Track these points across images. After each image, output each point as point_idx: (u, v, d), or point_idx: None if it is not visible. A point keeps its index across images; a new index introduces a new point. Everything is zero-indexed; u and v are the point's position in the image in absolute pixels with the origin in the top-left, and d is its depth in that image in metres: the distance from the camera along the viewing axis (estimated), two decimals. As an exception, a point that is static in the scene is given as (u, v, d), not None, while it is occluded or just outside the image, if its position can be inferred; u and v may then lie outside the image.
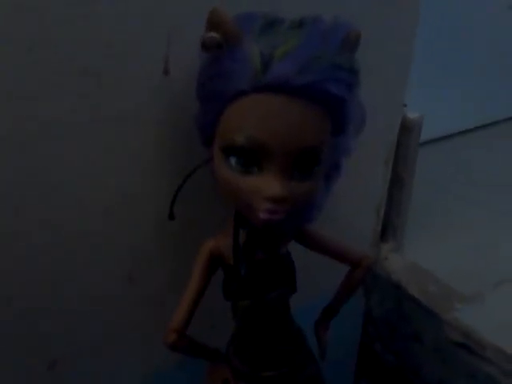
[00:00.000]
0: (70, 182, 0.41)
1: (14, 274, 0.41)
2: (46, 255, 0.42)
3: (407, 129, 0.61)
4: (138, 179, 0.44)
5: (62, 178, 0.40)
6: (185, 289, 0.41)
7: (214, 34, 0.33)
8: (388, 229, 0.68)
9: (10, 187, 0.39)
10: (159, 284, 0.49)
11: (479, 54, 0.91)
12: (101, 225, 0.44)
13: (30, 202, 0.40)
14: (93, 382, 0.49)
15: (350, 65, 0.33)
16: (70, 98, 0.38)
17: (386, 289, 0.68)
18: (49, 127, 0.38)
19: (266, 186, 0.33)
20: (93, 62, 0.38)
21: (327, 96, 0.32)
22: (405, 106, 0.61)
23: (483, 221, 0.77)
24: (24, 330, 0.43)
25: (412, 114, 0.61)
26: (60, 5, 0.36)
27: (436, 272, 0.66)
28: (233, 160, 0.33)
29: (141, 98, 0.41)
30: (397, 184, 0.65)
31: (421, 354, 0.66)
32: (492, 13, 0.91)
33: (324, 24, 0.34)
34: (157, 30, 0.40)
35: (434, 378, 0.65)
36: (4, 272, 0.41)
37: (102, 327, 0.47)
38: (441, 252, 0.70)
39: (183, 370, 0.54)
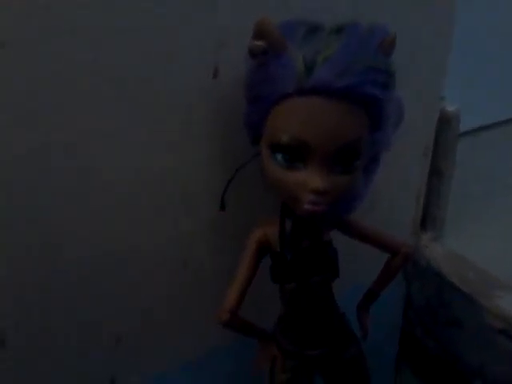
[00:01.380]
0: (124, 180, 0.45)
1: (82, 260, 0.46)
2: (99, 249, 0.46)
3: (445, 121, 0.63)
4: (192, 174, 0.48)
5: (116, 176, 0.44)
6: (236, 273, 0.44)
7: (260, 42, 0.36)
8: (428, 218, 0.70)
9: (71, 187, 0.43)
10: (212, 269, 0.53)
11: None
12: (158, 214, 0.48)
13: (93, 198, 0.44)
14: (156, 355, 0.54)
15: (386, 67, 0.36)
16: (124, 103, 0.42)
17: (426, 276, 0.70)
18: (102, 130, 0.42)
19: (310, 179, 0.36)
20: (146, 68, 0.42)
21: (364, 97, 0.35)
22: (442, 98, 0.62)
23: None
24: (93, 309, 0.49)
25: (450, 107, 0.63)
26: (124, 15, 0.40)
27: (476, 260, 0.68)
28: (279, 156, 0.37)
29: (192, 100, 0.45)
30: (436, 175, 0.67)
31: (461, 339, 0.68)
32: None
33: (361, 29, 0.37)
34: (208, 38, 0.43)
35: (475, 364, 0.66)
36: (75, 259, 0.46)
37: (161, 305, 0.52)
38: (481, 240, 0.71)
39: (234, 348, 0.58)
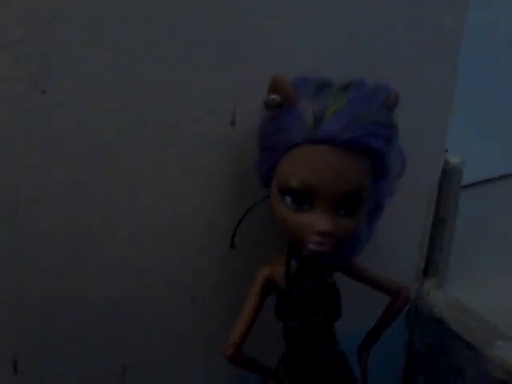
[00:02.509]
0: (148, 221, 0.48)
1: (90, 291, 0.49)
2: (112, 282, 0.49)
3: (448, 173, 0.65)
4: (205, 213, 0.51)
5: (133, 213, 0.48)
6: (242, 309, 0.46)
7: (275, 96, 0.40)
8: (431, 266, 0.72)
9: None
10: (219, 305, 0.55)
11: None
12: (172, 256, 0.51)
13: (105, 234, 0.47)
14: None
15: (389, 122, 0.40)
16: (149, 149, 0.46)
17: (427, 324, 0.71)
18: (127, 173, 0.46)
19: (316, 221, 0.39)
20: (171, 115, 0.46)
21: (368, 149, 0.38)
22: (446, 151, 0.66)
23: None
24: (98, 339, 0.51)
25: (453, 159, 0.65)
26: (154, 68, 0.44)
27: (477, 309, 0.69)
28: (288, 199, 0.40)
29: (211, 144, 0.49)
30: (439, 224, 0.69)
31: (463, 388, 0.68)
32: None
33: (367, 87, 0.41)
34: (228, 90, 0.47)
35: (476, 414, 0.67)
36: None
37: (170, 342, 0.54)
38: (482, 290, 0.73)
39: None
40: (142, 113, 0.45)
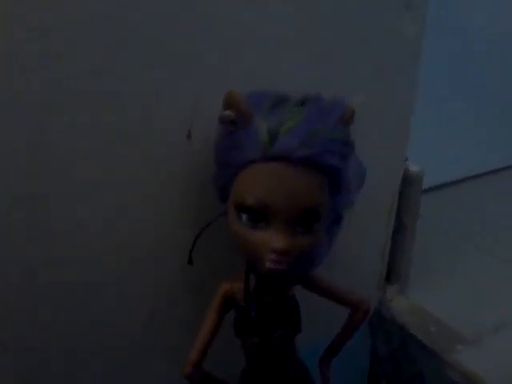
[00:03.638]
0: (98, 231, 0.47)
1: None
2: (72, 295, 0.48)
3: (409, 181, 0.66)
4: (163, 226, 0.50)
5: (87, 231, 0.46)
6: (201, 326, 0.46)
7: (229, 113, 0.39)
8: (393, 273, 0.72)
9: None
10: (178, 321, 0.54)
11: (480, 102, 0.96)
12: (126, 270, 0.49)
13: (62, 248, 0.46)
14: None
15: (344, 138, 0.39)
16: (107, 158, 0.45)
17: (390, 330, 0.72)
18: (77, 185, 0.44)
19: (272, 239, 0.39)
20: (126, 127, 0.45)
21: (324, 165, 0.38)
22: (406, 159, 0.66)
23: (486, 265, 0.81)
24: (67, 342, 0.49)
25: (413, 168, 0.66)
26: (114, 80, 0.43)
27: (438, 314, 0.70)
28: (244, 216, 0.39)
29: (166, 157, 0.48)
30: (400, 231, 0.69)
31: (424, 393, 0.69)
32: (492, 64, 0.97)
33: (323, 102, 0.41)
34: (184, 103, 0.47)
35: (436, 418, 0.68)
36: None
37: (127, 358, 0.53)
38: (443, 295, 0.74)
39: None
40: (96, 123, 0.44)
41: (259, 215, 0.39)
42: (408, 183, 0.66)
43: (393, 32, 0.57)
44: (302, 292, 0.49)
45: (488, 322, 0.70)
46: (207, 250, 0.50)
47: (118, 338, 0.51)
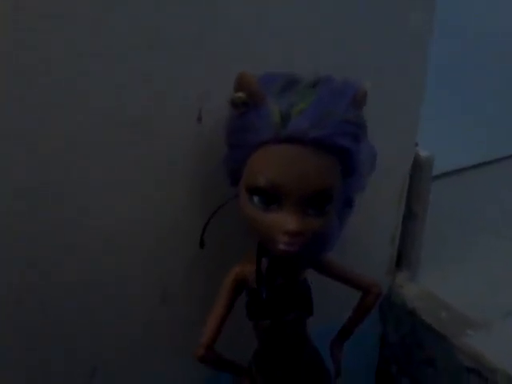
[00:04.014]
0: (111, 219, 0.47)
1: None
2: (84, 280, 0.48)
3: (419, 166, 0.66)
4: (175, 212, 0.50)
5: (103, 210, 0.47)
6: (213, 308, 0.46)
7: (241, 94, 0.39)
8: (403, 258, 0.72)
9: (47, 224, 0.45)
10: (190, 305, 0.54)
11: (491, 88, 0.95)
12: (139, 256, 0.50)
13: (75, 237, 0.46)
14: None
15: (357, 120, 0.39)
16: (119, 144, 0.45)
17: (400, 315, 0.72)
18: (89, 172, 0.45)
19: (284, 221, 0.39)
20: (135, 112, 0.45)
21: (336, 147, 0.38)
22: (416, 145, 0.66)
23: (496, 251, 0.80)
24: (67, 340, 0.50)
25: (423, 153, 0.66)
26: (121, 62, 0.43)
27: (448, 300, 0.70)
28: (256, 199, 0.39)
29: (177, 141, 0.48)
30: (410, 217, 0.69)
31: (434, 377, 0.69)
32: (505, 51, 0.96)
33: (335, 83, 0.40)
34: (195, 85, 0.47)
35: (447, 402, 0.68)
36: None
37: (140, 342, 0.53)
38: (453, 281, 0.74)
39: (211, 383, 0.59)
40: (106, 109, 0.44)
41: (271, 197, 0.39)
42: (418, 168, 0.66)
43: (403, 16, 0.57)
44: (313, 276, 0.49)
45: (498, 306, 0.70)
46: (218, 233, 0.50)
47: (130, 324, 0.52)
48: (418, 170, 0.66)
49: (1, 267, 0.44)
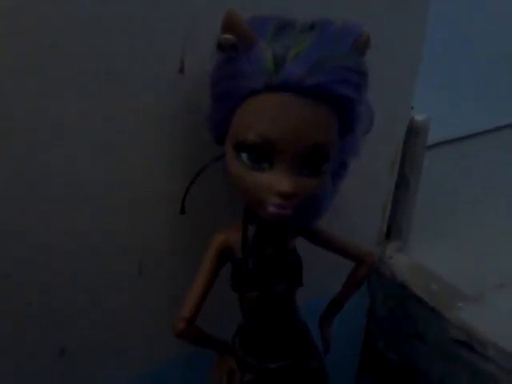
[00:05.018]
0: (84, 180, 0.43)
1: (25, 260, 0.43)
2: (58, 247, 0.44)
3: (414, 131, 0.62)
4: (154, 174, 0.45)
5: (76, 175, 0.42)
6: (194, 280, 0.42)
7: (228, 36, 0.34)
8: (393, 229, 0.69)
9: (21, 186, 0.40)
10: (169, 276, 0.50)
11: (492, 54, 0.92)
12: (113, 219, 0.45)
13: (46, 198, 0.41)
14: (104, 368, 0.51)
15: (359, 67, 0.35)
16: (92, 98, 0.40)
17: (389, 288, 0.69)
18: (62, 125, 0.40)
19: (276, 181, 0.34)
20: (112, 62, 0.40)
21: (335, 96, 0.34)
22: (412, 108, 0.62)
23: (488, 223, 0.78)
24: (36, 317, 0.45)
25: (419, 116, 0.62)
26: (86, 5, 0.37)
27: (440, 272, 0.67)
28: (244, 156, 0.35)
29: (156, 95, 0.43)
30: (403, 185, 0.66)
31: (423, 352, 0.67)
32: (505, 13, 0.92)
33: (335, 27, 0.36)
34: (174, 31, 0.41)
35: (436, 376, 0.66)
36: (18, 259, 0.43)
37: (112, 315, 0.49)
38: (445, 252, 0.71)
39: (190, 360, 0.55)
40: (84, 58, 0.39)
41: (262, 154, 0.34)
42: (413, 133, 0.62)
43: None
44: (300, 248, 0.45)
45: (490, 279, 0.68)
46: (201, 198, 0.46)
47: (104, 295, 0.48)
48: (413, 135, 0.62)
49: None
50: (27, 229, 0.42)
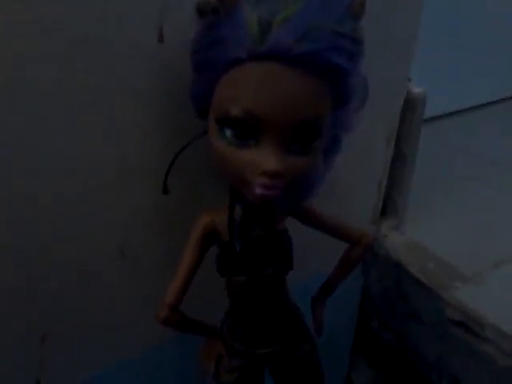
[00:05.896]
0: (62, 154, 0.40)
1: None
2: (34, 226, 0.41)
3: (411, 104, 0.59)
4: (132, 151, 0.43)
5: (54, 148, 0.39)
6: (178, 264, 0.40)
7: (209, -1, 0.31)
8: (389, 206, 0.67)
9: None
10: (152, 259, 0.48)
11: (488, 28, 0.89)
12: (93, 198, 0.43)
13: (23, 171, 0.39)
14: (87, 355, 0.49)
15: (354, 33, 0.32)
16: (62, 65, 0.37)
17: (385, 266, 0.67)
18: (40, 94, 0.37)
19: (262, 159, 0.32)
20: (86, 29, 0.37)
21: (328, 66, 0.30)
22: (409, 80, 0.59)
23: (485, 200, 0.76)
24: (16, 304, 0.43)
25: (416, 89, 0.59)
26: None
27: (436, 250, 0.66)
28: (228, 132, 0.32)
29: (135, 66, 0.40)
30: (399, 160, 0.63)
31: (419, 332, 0.65)
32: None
33: (326, -11, 0.32)
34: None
35: (432, 356, 0.65)
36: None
37: (94, 300, 0.47)
38: (441, 230, 0.69)
39: (176, 345, 0.54)
40: (56, 24, 0.36)
41: (247, 130, 0.32)
42: (410, 106, 0.59)
43: None
44: (291, 228, 0.43)
45: (488, 257, 0.66)
46: (184, 177, 0.43)
47: (84, 280, 0.45)
48: (410, 108, 0.59)
49: None
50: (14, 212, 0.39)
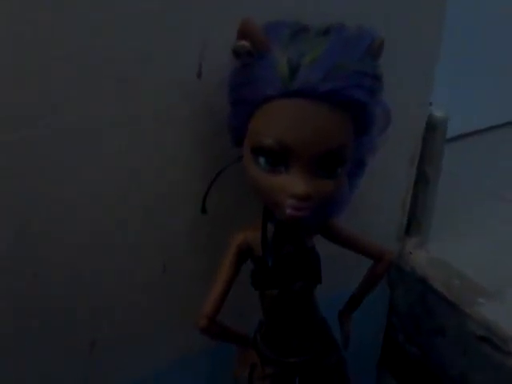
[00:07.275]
0: (109, 182, 0.44)
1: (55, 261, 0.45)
2: (87, 248, 0.45)
3: (432, 127, 0.62)
4: (174, 177, 0.47)
5: (101, 178, 0.44)
6: (216, 278, 0.43)
7: (244, 43, 0.35)
8: (413, 224, 0.69)
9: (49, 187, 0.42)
10: (191, 274, 0.51)
11: (507, 50, 0.90)
12: (138, 221, 0.47)
13: (74, 200, 0.43)
14: (132, 361, 0.53)
15: (373, 71, 0.35)
16: (108, 104, 0.41)
17: (410, 282, 0.69)
18: (87, 130, 0.41)
19: (292, 184, 0.35)
20: (131, 68, 0.41)
21: (350, 101, 0.34)
22: (430, 104, 0.62)
23: (508, 218, 0.77)
24: (66, 313, 0.47)
25: (437, 113, 0.62)
26: (101, 13, 0.39)
27: (460, 267, 0.67)
28: (261, 160, 0.36)
29: (175, 100, 0.44)
30: (422, 181, 0.66)
31: (444, 347, 0.67)
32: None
33: (349, 32, 0.36)
34: (192, 37, 0.42)
35: (457, 371, 0.66)
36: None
37: (140, 314, 0.51)
38: (465, 248, 0.71)
39: (212, 354, 0.57)
40: (100, 63, 0.40)
41: (278, 158, 0.35)
42: (432, 129, 0.62)
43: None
44: (318, 244, 0.46)
45: (510, 274, 0.67)
46: (222, 198, 0.47)
47: (130, 292, 0.49)
48: (432, 131, 0.62)
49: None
50: (57, 228, 0.44)
